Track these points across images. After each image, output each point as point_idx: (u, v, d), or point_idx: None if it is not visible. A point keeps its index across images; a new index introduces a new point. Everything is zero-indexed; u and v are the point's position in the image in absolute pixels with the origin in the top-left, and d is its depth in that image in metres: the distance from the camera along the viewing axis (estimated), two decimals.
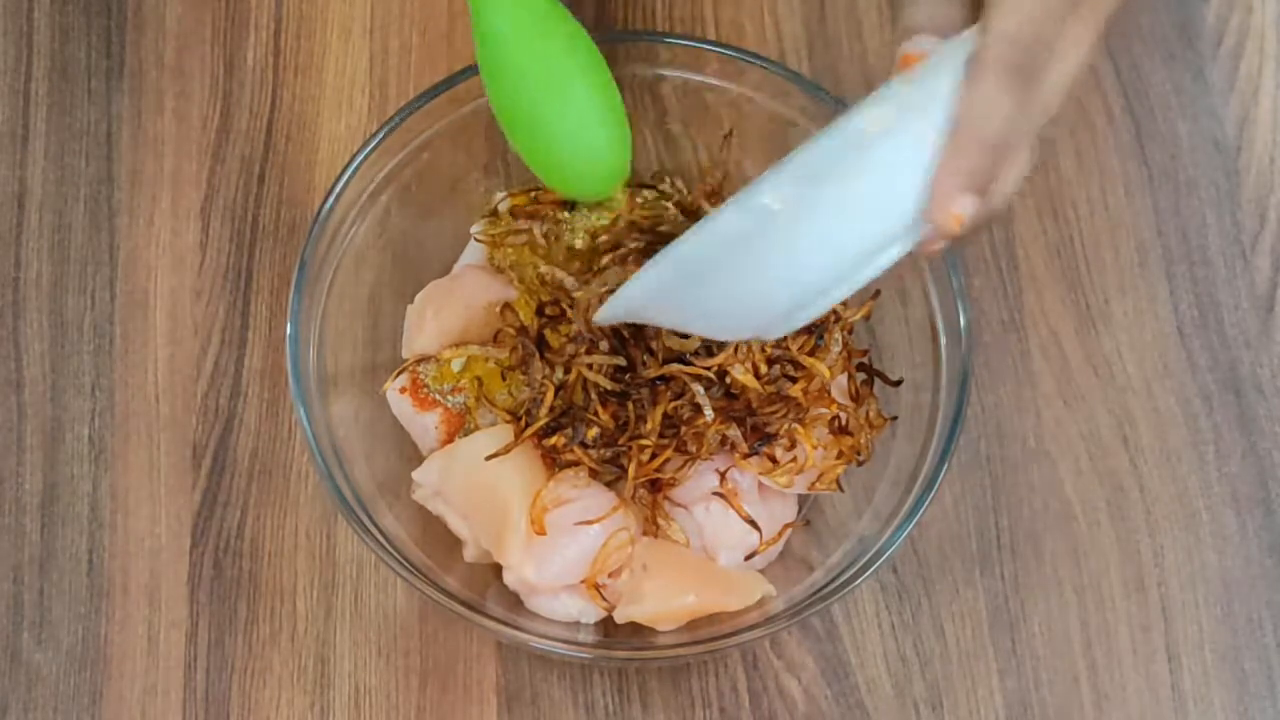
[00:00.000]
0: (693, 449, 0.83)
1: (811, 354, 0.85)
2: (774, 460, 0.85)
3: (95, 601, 0.89)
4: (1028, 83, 0.65)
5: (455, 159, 0.92)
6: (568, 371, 0.84)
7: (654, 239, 0.86)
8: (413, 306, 0.91)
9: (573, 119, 0.85)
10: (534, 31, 0.84)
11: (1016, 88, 0.65)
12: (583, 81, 0.85)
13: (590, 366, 0.83)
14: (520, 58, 0.84)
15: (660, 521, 0.85)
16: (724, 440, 0.84)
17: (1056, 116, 0.68)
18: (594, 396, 0.83)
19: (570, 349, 0.84)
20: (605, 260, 0.86)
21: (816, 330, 0.85)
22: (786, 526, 0.87)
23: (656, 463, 0.84)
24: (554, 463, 0.85)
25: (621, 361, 0.83)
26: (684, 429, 0.83)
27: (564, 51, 0.84)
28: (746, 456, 0.84)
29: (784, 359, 0.84)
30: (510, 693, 0.88)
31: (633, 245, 0.86)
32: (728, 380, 0.83)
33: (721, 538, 0.85)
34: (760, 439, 0.84)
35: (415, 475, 0.87)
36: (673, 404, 0.83)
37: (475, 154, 0.93)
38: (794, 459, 0.85)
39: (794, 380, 0.84)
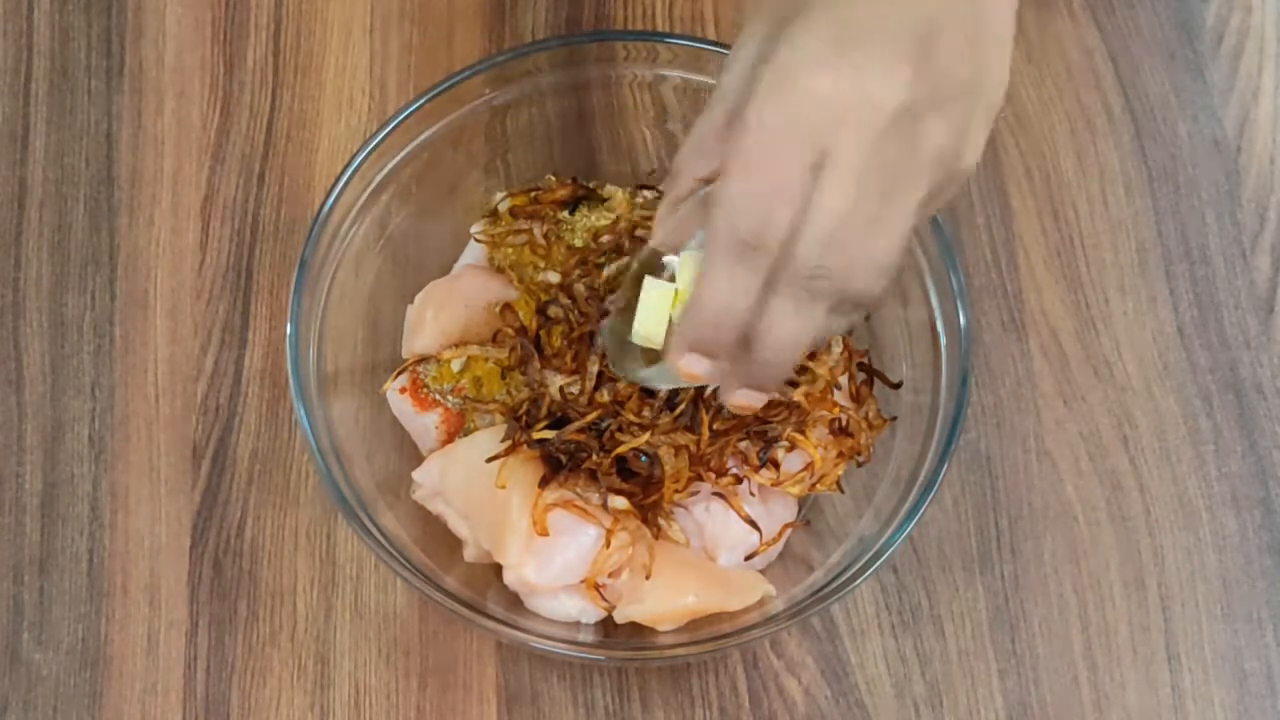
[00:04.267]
0: (714, 466, 0.84)
1: (812, 357, 0.85)
2: (776, 465, 0.85)
3: (95, 601, 0.89)
4: (748, 260, 0.68)
5: (455, 159, 0.92)
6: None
7: None
8: (413, 306, 0.90)
9: None
10: None
11: (737, 270, 0.68)
12: None
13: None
14: None
15: (660, 521, 0.85)
16: (735, 452, 0.84)
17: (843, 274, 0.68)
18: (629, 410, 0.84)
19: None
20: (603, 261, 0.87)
21: None
22: (786, 526, 0.87)
23: (684, 493, 0.84)
24: (553, 464, 0.85)
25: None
26: (708, 449, 0.83)
27: None
28: (758, 469, 0.84)
29: None
30: (510, 693, 0.88)
31: (632, 246, 0.86)
32: None
33: (721, 538, 0.85)
34: (764, 446, 0.84)
35: (415, 475, 0.87)
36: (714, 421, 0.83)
37: (475, 154, 0.93)
38: (807, 469, 0.85)
39: (795, 385, 0.85)
